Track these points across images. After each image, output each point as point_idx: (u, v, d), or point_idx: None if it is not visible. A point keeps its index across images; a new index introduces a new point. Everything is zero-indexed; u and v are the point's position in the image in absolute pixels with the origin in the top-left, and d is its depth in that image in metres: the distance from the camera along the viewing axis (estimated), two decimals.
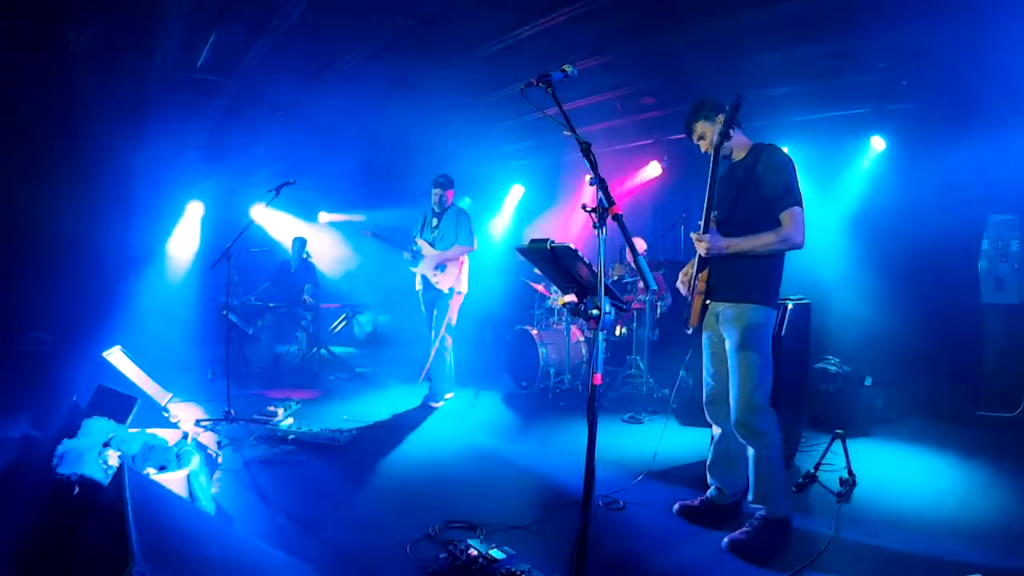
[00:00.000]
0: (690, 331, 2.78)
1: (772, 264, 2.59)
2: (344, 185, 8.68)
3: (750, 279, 2.56)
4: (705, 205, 2.56)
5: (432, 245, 4.96)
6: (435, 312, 4.98)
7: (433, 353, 4.94)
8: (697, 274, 2.68)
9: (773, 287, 2.62)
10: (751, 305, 2.55)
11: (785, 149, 2.65)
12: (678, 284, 2.85)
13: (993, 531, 2.69)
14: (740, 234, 2.55)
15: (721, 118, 2.58)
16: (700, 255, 2.64)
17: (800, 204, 2.50)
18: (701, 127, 2.69)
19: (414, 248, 5.01)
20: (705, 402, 2.84)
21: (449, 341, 5.01)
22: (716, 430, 2.83)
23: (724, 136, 2.50)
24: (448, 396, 5.17)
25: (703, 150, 2.71)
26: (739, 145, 2.68)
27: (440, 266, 4.91)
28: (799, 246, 2.52)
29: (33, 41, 4.00)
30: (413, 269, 5.02)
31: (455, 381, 5.27)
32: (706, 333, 2.79)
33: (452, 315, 4.96)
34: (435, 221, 5.02)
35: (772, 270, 2.60)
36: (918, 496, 3.12)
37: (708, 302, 2.69)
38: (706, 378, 2.84)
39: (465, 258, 4.99)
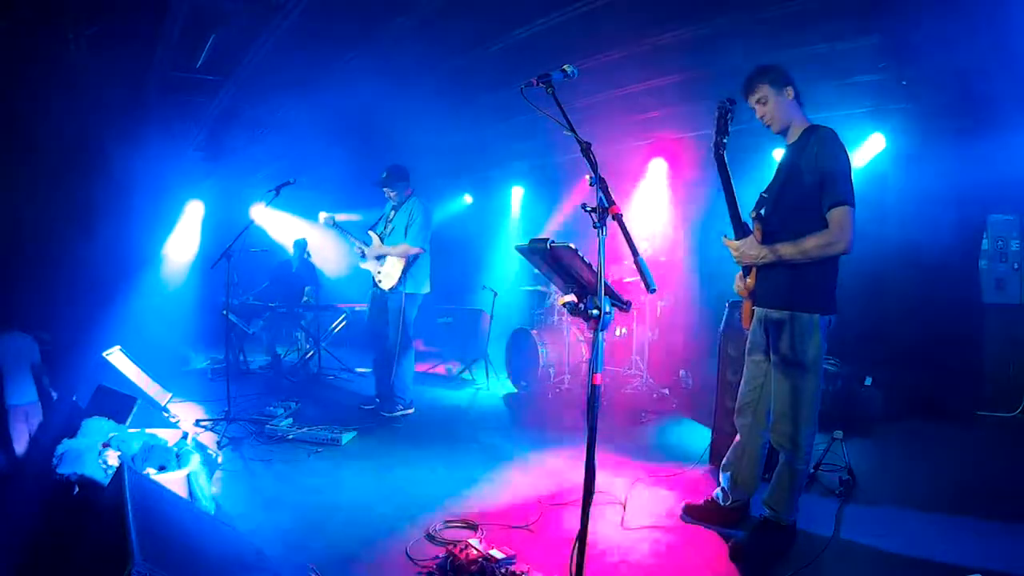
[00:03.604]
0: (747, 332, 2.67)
1: (822, 266, 2.38)
2: (344, 185, 8.68)
3: (797, 283, 2.39)
4: (728, 209, 2.45)
5: (383, 240, 4.71)
6: (383, 313, 4.66)
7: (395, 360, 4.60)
8: (745, 277, 2.58)
9: (824, 291, 2.41)
10: (799, 313, 2.39)
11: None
12: (736, 289, 2.69)
13: (993, 532, 2.69)
14: (784, 234, 2.37)
15: (790, 91, 2.44)
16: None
17: (848, 202, 2.26)
18: (764, 90, 2.46)
19: (367, 242, 4.75)
20: (736, 407, 2.73)
21: (407, 347, 4.63)
22: (738, 436, 2.74)
23: (719, 144, 2.36)
24: (407, 412, 4.68)
25: (759, 116, 2.52)
26: (795, 126, 2.49)
27: (380, 259, 4.63)
28: (845, 252, 2.29)
29: (32, 41, 4.00)
30: (361, 265, 4.78)
31: (413, 392, 4.82)
32: (751, 338, 2.65)
33: (404, 318, 4.57)
34: (391, 214, 4.76)
35: (823, 272, 2.39)
36: (918, 496, 3.12)
37: (755, 308, 2.58)
38: (742, 384, 2.70)
39: (415, 256, 4.60)
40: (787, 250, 2.35)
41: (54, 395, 3.41)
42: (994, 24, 3.60)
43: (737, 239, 2.52)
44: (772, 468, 2.63)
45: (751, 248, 2.43)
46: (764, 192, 2.57)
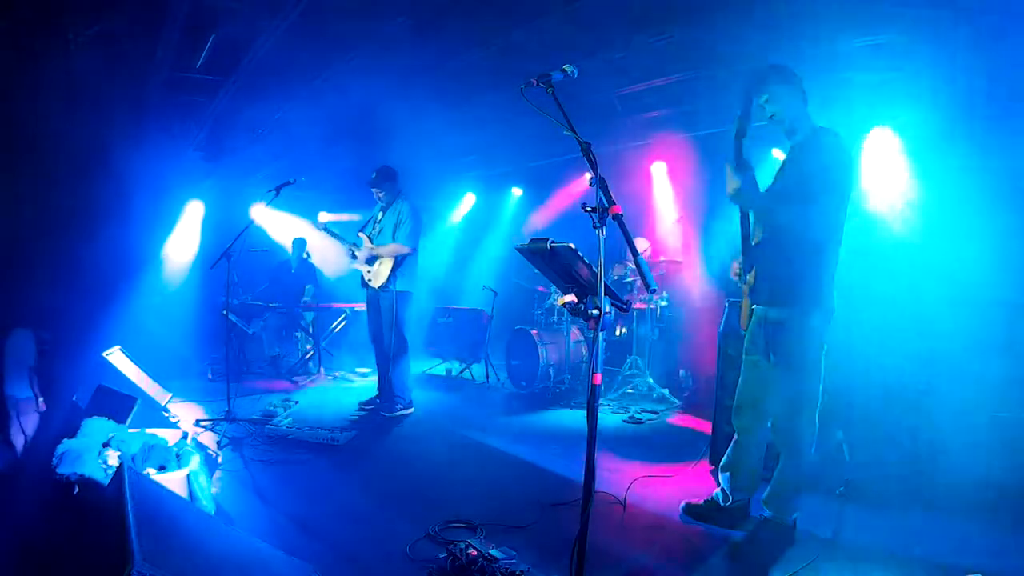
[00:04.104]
0: (743, 332, 2.69)
1: (817, 263, 2.41)
2: (345, 185, 8.68)
3: (791, 280, 2.41)
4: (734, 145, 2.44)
5: (372, 240, 4.76)
6: (377, 313, 4.73)
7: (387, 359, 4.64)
8: (745, 275, 2.59)
9: (822, 289, 2.43)
10: (792, 309, 2.42)
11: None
12: (731, 274, 2.72)
13: (993, 531, 2.69)
14: (789, 232, 2.41)
15: (799, 91, 2.48)
16: (744, 242, 2.53)
17: (818, 202, 2.31)
18: (774, 89, 2.48)
19: (357, 243, 4.80)
20: (733, 407, 2.73)
21: (403, 346, 4.70)
22: (736, 435, 2.73)
23: (740, 129, 2.40)
24: (407, 411, 4.74)
25: (768, 115, 2.52)
26: (803, 127, 2.54)
27: (371, 260, 4.69)
28: (813, 238, 2.37)
29: (32, 41, 4.00)
30: (352, 265, 4.83)
31: (411, 393, 4.82)
32: (749, 337, 2.65)
33: (398, 316, 4.63)
34: (380, 215, 4.81)
35: (817, 269, 2.41)
36: (917, 496, 3.12)
37: (753, 305, 2.59)
38: (739, 383, 2.71)
39: (402, 257, 4.65)
40: (776, 204, 2.40)
41: (40, 399, 3.42)
42: (997, 24, 3.59)
43: None
44: (772, 468, 2.63)
45: (749, 186, 2.41)
46: (768, 192, 2.58)
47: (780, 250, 2.44)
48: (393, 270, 4.59)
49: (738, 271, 2.67)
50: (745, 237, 2.59)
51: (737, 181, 2.43)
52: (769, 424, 2.56)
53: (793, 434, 2.44)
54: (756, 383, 2.62)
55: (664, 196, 6.75)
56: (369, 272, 4.71)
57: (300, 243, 7.32)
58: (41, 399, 3.40)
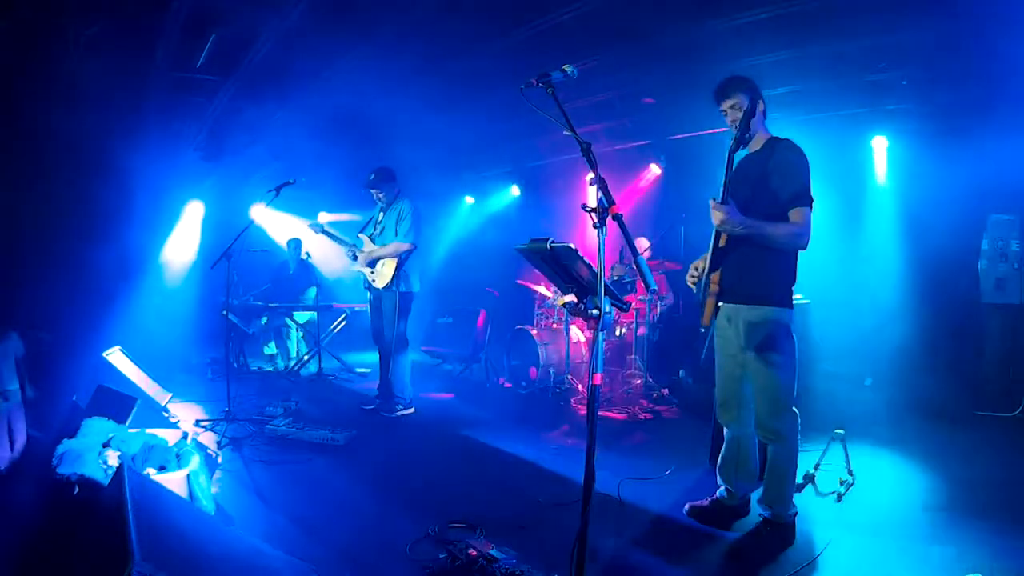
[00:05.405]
0: (703, 330, 2.73)
1: (786, 263, 2.53)
2: (344, 185, 8.69)
3: (764, 279, 2.51)
4: (723, 179, 2.48)
5: (373, 241, 4.75)
6: (379, 313, 4.74)
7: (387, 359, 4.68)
8: (709, 275, 2.63)
9: (787, 286, 2.55)
10: (767, 307, 2.50)
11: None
12: (688, 281, 2.79)
13: (992, 532, 2.69)
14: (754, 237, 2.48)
15: (761, 104, 2.56)
16: (714, 244, 2.55)
17: (810, 205, 2.45)
18: (739, 98, 2.56)
19: (358, 245, 4.80)
20: (717, 404, 2.77)
21: (403, 346, 4.70)
22: (728, 432, 2.77)
23: (740, 140, 2.44)
24: (407, 411, 4.74)
25: (729, 121, 2.60)
26: (759, 136, 2.63)
27: (373, 262, 4.67)
28: (803, 247, 2.49)
29: (32, 41, 4.00)
30: (353, 267, 4.83)
31: (414, 392, 4.85)
32: (719, 335, 2.71)
33: (400, 316, 4.63)
34: (380, 216, 4.79)
35: (786, 269, 2.53)
36: (918, 496, 3.12)
37: (720, 304, 2.63)
38: (718, 380, 2.76)
39: (408, 254, 4.63)
40: (766, 228, 2.45)
41: (30, 393, 3.41)
42: (995, 25, 3.60)
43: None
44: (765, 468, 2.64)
45: (734, 214, 2.45)
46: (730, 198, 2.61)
47: (750, 250, 2.49)
48: (397, 270, 4.58)
49: (701, 268, 2.70)
50: (715, 237, 2.61)
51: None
52: (755, 419, 2.58)
53: (778, 426, 2.49)
54: (736, 376, 2.66)
55: (662, 197, 6.74)
56: (372, 273, 4.70)
57: (296, 243, 7.32)
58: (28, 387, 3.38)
